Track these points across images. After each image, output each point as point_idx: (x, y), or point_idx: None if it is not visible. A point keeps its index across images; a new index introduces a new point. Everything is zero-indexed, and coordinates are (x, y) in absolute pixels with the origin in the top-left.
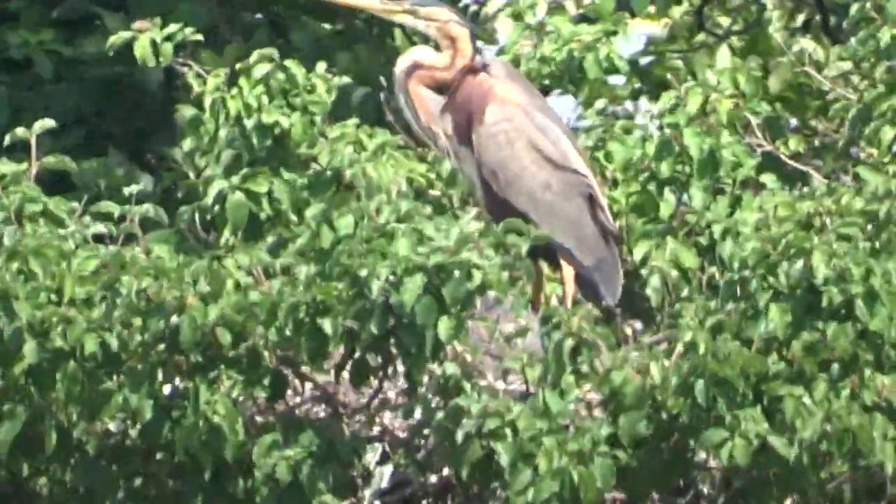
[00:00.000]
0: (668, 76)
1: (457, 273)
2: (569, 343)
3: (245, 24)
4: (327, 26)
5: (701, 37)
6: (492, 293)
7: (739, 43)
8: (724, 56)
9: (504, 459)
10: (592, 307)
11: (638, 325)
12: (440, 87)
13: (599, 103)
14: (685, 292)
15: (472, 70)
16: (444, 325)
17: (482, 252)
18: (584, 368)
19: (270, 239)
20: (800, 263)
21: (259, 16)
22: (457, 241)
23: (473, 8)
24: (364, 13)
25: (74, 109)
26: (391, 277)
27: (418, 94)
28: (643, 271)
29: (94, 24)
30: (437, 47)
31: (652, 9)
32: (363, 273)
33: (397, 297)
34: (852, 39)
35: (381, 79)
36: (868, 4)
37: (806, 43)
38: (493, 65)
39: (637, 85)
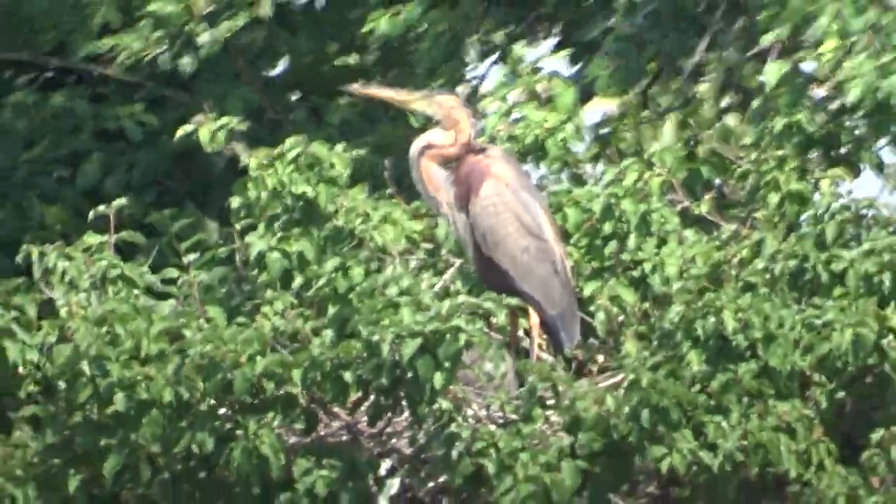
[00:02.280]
0: (608, 153)
1: (448, 336)
2: (541, 386)
3: (287, 105)
4: (353, 106)
5: (646, 113)
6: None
7: (679, 117)
8: (668, 130)
9: (491, 469)
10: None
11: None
12: (446, 162)
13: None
14: (621, 318)
15: (474, 151)
16: (438, 378)
17: (468, 318)
18: (551, 402)
19: (298, 281)
20: (713, 319)
21: (298, 98)
22: (448, 310)
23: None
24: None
25: (151, 171)
26: (396, 340)
27: (428, 169)
28: (591, 308)
29: (167, 103)
30: (444, 127)
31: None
32: (375, 338)
33: (404, 358)
34: (752, 127)
35: (385, 161)
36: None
37: (731, 120)
38: (490, 148)
39: (596, 151)
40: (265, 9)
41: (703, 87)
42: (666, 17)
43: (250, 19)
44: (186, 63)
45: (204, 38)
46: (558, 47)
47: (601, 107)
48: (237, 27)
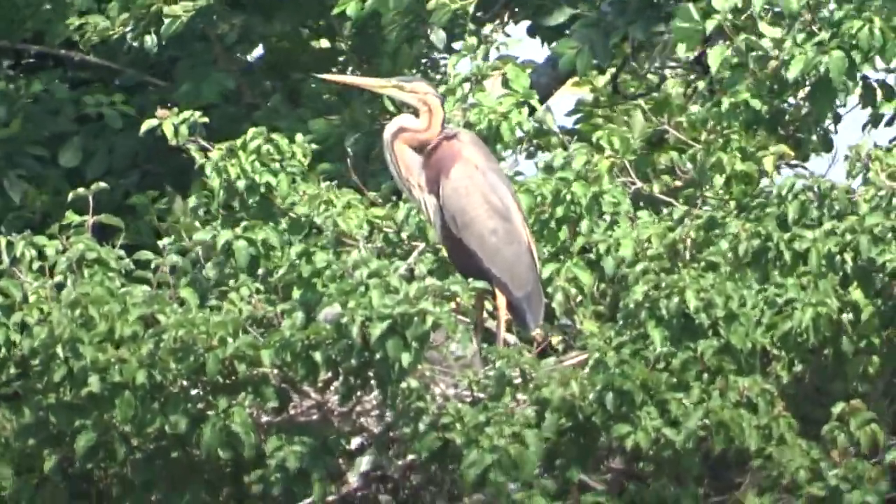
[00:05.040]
0: (563, 137)
1: (416, 319)
2: (509, 372)
3: (264, 90)
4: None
5: (621, 104)
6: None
7: (649, 104)
8: (638, 118)
9: (459, 441)
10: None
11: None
12: (419, 146)
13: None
14: (579, 299)
15: (446, 136)
16: (406, 358)
17: (436, 301)
18: (518, 382)
19: (263, 268)
20: (676, 299)
21: (275, 81)
22: (416, 293)
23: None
24: None
25: (131, 154)
26: (367, 323)
27: (401, 152)
28: (549, 289)
29: (147, 88)
30: (416, 112)
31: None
32: (344, 320)
33: (372, 339)
34: (697, 108)
35: (348, 148)
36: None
37: (695, 108)
38: (461, 132)
39: (566, 137)
40: None
41: (671, 73)
42: (632, 4)
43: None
44: (149, 42)
45: (167, 17)
46: (530, 33)
47: (573, 93)
48: (198, 6)
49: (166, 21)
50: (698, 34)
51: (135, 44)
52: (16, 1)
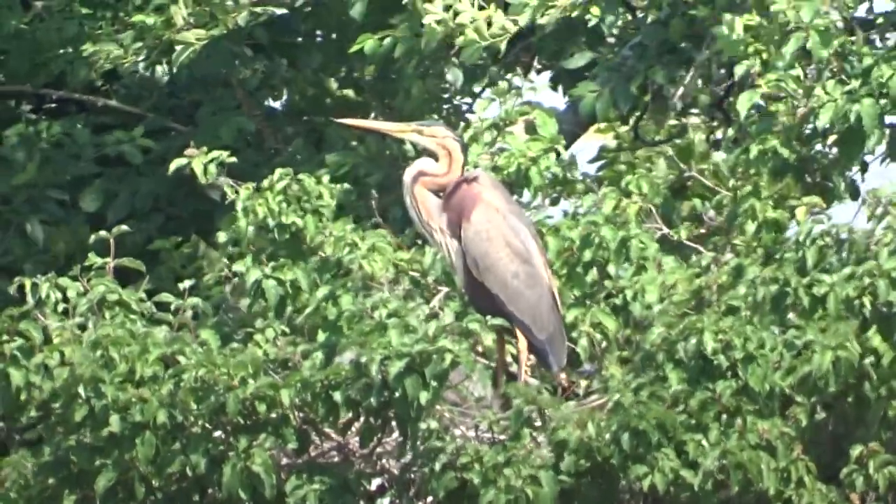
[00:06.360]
0: (589, 182)
1: (435, 357)
2: (527, 409)
3: (286, 135)
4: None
5: (641, 151)
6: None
7: (672, 150)
8: (661, 164)
9: (476, 481)
10: (541, 384)
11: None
12: (438, 190)
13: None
14: (604, 344)
15: (465, 179)
16: (424, 397)
17: (454, 339)
18: (537, 423)
19: (290, 309)
20: (694, 340)
21: (298, 126)
22: (434, 332)
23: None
24: None
25: (153, 196)
26: (385, 362)
27: (421, 196)
28: (574, 334)
29: (169, 133)
30: (435, 156)
31: (603, 125)
32: (363, 359)
33: (391, 377)
34: (728, 155)
35: (373, 191)
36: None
37: (718, 156)
38: (480, 175)
39: (589, 181)
40: (241, 20)
41: (693, 120)
42: (652, 48)
43: (227, 30)
44: (160, 72)
45: (179, 46)
46: (553, 81)
47: (597, 140)
48: (211, 34)
49: (178, 48)
50: (741, 45)
51: (147, 73)
52: (40, 45)
